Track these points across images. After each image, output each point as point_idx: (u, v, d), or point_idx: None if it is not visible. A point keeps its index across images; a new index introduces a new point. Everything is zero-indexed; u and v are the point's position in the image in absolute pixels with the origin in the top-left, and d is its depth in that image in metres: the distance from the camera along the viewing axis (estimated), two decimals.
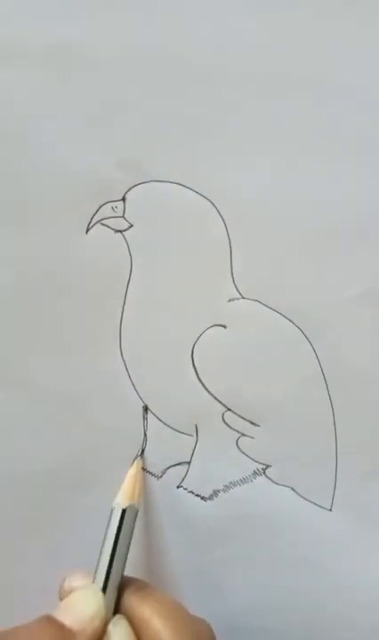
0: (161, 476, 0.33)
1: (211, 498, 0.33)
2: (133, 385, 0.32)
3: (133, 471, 0.32)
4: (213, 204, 0.31)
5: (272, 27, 0.29)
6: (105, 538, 0.30)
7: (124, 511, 0.30)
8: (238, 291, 0.31)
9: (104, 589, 0.29)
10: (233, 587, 0.33)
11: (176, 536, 0.33)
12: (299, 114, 0.29)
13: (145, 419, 0.32)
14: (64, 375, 0.33)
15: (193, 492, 0.33)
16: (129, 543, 0.30)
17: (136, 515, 0.31)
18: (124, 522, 0.30)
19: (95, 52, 0.30)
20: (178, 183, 0.31)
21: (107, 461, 0.33)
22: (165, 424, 0.32)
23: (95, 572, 0.29)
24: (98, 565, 0.29)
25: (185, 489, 0.33)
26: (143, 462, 0.33)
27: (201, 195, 0.31)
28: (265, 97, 0.29)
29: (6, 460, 0.34)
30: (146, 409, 0.32)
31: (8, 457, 0.34)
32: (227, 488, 0.33)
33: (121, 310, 0.32)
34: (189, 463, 0.33)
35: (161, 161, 0.30)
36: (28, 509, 0.34)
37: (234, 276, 0.31)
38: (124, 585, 0.29)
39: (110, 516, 0.30)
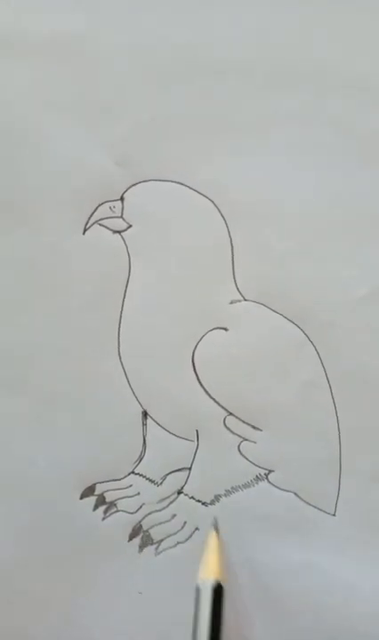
0: (161, 483, 0.32)
1: (212, 503, 0.32)
2: (132, 389, 0.32)
3: (212, 543, 0.31)
4: (213, 203, 0.30)
5: (272, 22, 0.28)
6: (198, 620, 0.29)
7: (215, 589, 0.29)
8: (240, 292, 0.31)
9: None
10: (234, 592, 0.33)
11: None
12: (301, 110, 0.29)
13: (144, 424, 0.32)
14: (62, 379, 0.32)
15: (194, 498, 0.32)
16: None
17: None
18: (218, 600, 0.29)
19: (95, 46, 0.29)
20: (178, 182, 0.30)
21: (106, 468, 0.32)
22: (165, 429, 0.32)
23: None
24: None
25: (186, 495, 0.32)
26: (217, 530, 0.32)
27: (201, 194, 0.30)
28: (266, 93, 0.29)
29: (5, 464, 0.33)
30: (145, 414, 0.32)
31: (6, 461, 0.33)
32: (229, 493, 0.32)
33: (120, 313, 0.31)
34: (189, 469, 0.32)
35: (161, 159, 0.30)
36: (27, 514, 0.33)
37: (236, 277, 0.31)
38: None
39: (199, 596, 0.29)
